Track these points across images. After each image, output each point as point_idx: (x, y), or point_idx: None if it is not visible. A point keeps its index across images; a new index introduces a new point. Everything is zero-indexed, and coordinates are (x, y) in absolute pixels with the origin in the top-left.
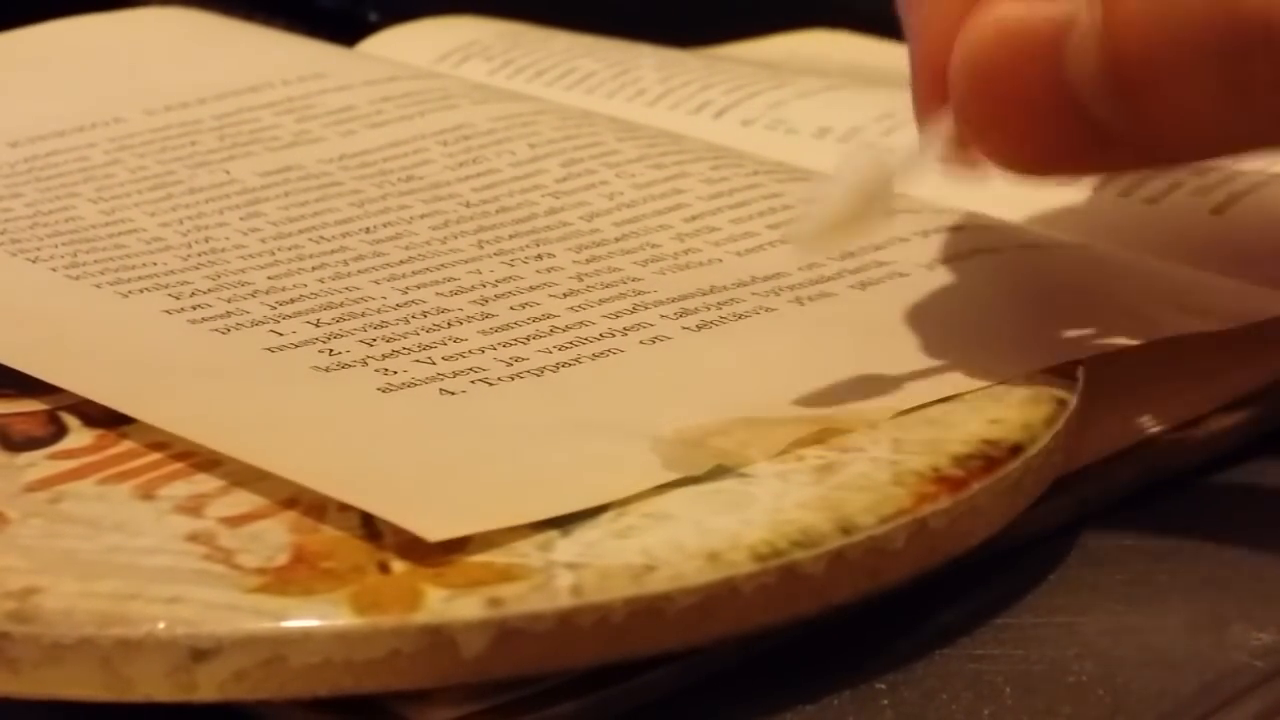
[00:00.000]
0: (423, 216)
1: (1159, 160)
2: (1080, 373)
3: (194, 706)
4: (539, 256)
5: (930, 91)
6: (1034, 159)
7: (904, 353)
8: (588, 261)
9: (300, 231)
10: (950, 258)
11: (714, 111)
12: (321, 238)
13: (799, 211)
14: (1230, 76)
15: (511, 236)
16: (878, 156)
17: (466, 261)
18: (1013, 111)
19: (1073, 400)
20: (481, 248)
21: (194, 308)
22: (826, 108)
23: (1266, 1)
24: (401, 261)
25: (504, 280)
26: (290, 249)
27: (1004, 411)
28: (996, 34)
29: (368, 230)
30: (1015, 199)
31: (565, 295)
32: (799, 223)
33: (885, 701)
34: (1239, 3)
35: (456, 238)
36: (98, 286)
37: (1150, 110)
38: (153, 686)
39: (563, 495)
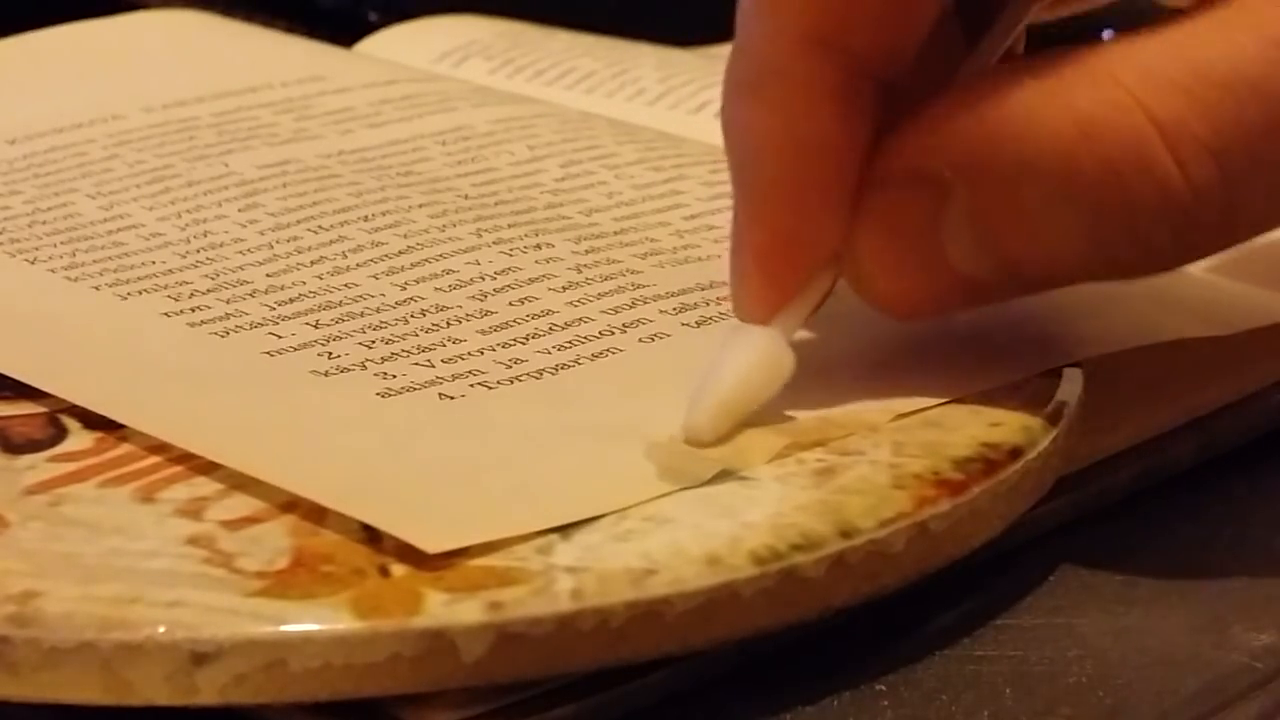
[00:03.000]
0: (421, 206)
1: (1022, 294)
2: (1080, 375)
3: (194, 710)
4: (538, 246)
5: (776, 274)
6: (915, 309)
7: (903, 355)
8: (587, 253)
9: (299, 222)
10: None
11: (714, 111)
12: (320, 227)
13: (691, 400)
14: (1093, 236)
15: (510, 226)
16: (767, 337)
17: (465, 251)
18: (899, 277)
19: (1072, 402)
20: (480, 236)
21: (193, 309)
22: None
23: (1118, 183)
24: (400, 252)
25: (503, 272)
26: (289, 241)
27: (1003, 414)
28: (882, 224)
29: (366, 219)
30: None
31: (564, 289)
32: (693, 413)
33: (885, 702)
34: (1095, 186)
35: (455, 226)
36: (96, 288)
37: (1017, 264)
38: (153, 690)
39: (561, 506)
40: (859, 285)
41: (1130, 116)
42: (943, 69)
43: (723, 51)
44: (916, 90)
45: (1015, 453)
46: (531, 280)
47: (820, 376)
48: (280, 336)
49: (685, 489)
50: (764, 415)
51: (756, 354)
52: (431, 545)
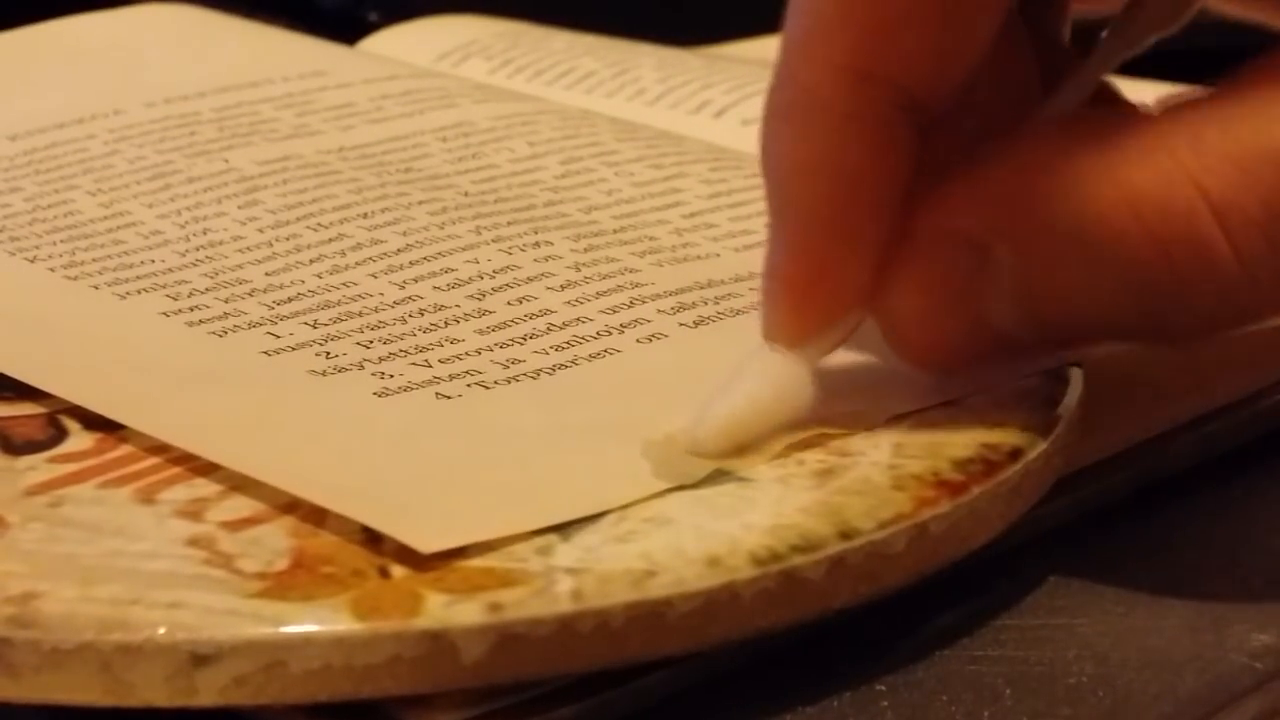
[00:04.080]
0: (420, 203)
1: (1060, 352)
2: (1080, 375)
3: (194, 712)
4: (537, 244)
5: (807, 309)
6: (949, 362)
7: None
8: (585, 251)
9: (298, 219)
10: None
11: (714, 111)
12: (319, 225)
13: (700, 410)
14: (1139, 308)
15: (509, 224)
16: (789, 362)
17: (464, 249)
18: (936, 337)
19: (1073, 403)
20: (479, 234)
21: (191, 309)
22: None
23: (1167, 260)
24: (399, 250)
25: (501, 271)
26: (288, 238)
27: (1003, 415)
28: (921, 286)
29: (365, 216)
30: None
31: (563, 288)
32: (701, 424)
33: (885, 703)
34: (1144, 263)
35: (454, 223)
36: (95, 288)
37: (1059, 328)
38: (153, 692)
39: (557, 505)
40: (891, 334)
41: (1182, 191)
42: (997, 105)
43: (723, 51)
44: (964, 125)
45: (1015, 454)
46: (530, 279)
47: (820, 377)
48: (278, 336)
49: (682, 487)
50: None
51: (775, 379)
52: (426, 545)
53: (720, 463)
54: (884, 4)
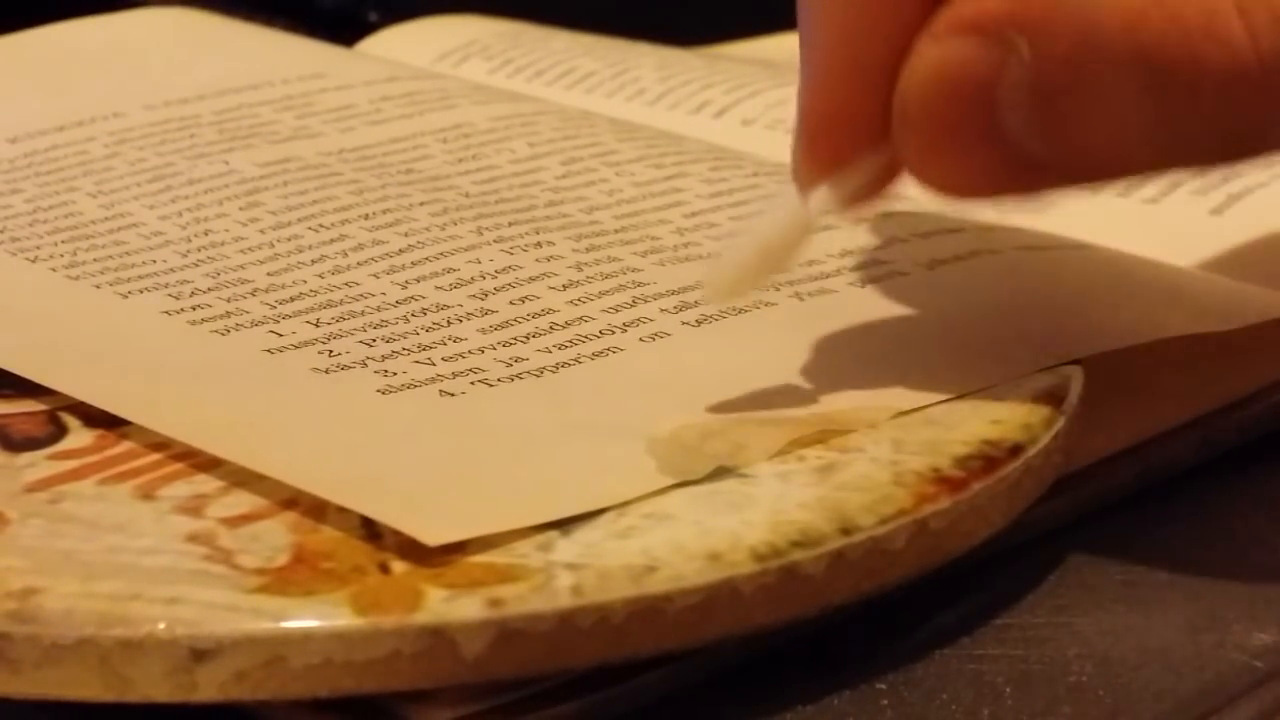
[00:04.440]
0: (422, 204)
1: (1084, 182)
2: (1080, 372)
3: (194, 707)
4: (538, 244)
5: (822, 148)
6: (969, 186)
7: (904, 352)
8: (587, 251)
9: (299, 220)
10: (950, 258)
11: (714, 111)
12: (321, 226)
13: (712, 264)
14: (1157, 113)
15: (511, 224)
16: (792, 206)
17: (466, 250)
18: (950, 145)
19: (1073, 400)
20: (481, 234)
21: (193, 308)
22: None
23: (1187, 45)
24: (401, 250)
25: (503, 271)
26: (289, 239)
27: (1004, 412)
28: (935, 76)
29: (366, 217)
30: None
31: (565, 287)
32: (711, 270)
33: (885, 701)
34: (1163, 47)
35: (456, 224)
36: (97, 287)
37: (1080, 144)
38: (153, 687)
39: (561, 499)
40: (909, 155)
41: None
42: None
43: (723, 51)
44: None
45: (1016, 450)
46: (532, 279)
47: (821, 374)
48: (281, 334)
49: (685, 484)
50: (762, 411)
51: (779, 216)
52: (431, 538)
53: (723, 460)
54: None
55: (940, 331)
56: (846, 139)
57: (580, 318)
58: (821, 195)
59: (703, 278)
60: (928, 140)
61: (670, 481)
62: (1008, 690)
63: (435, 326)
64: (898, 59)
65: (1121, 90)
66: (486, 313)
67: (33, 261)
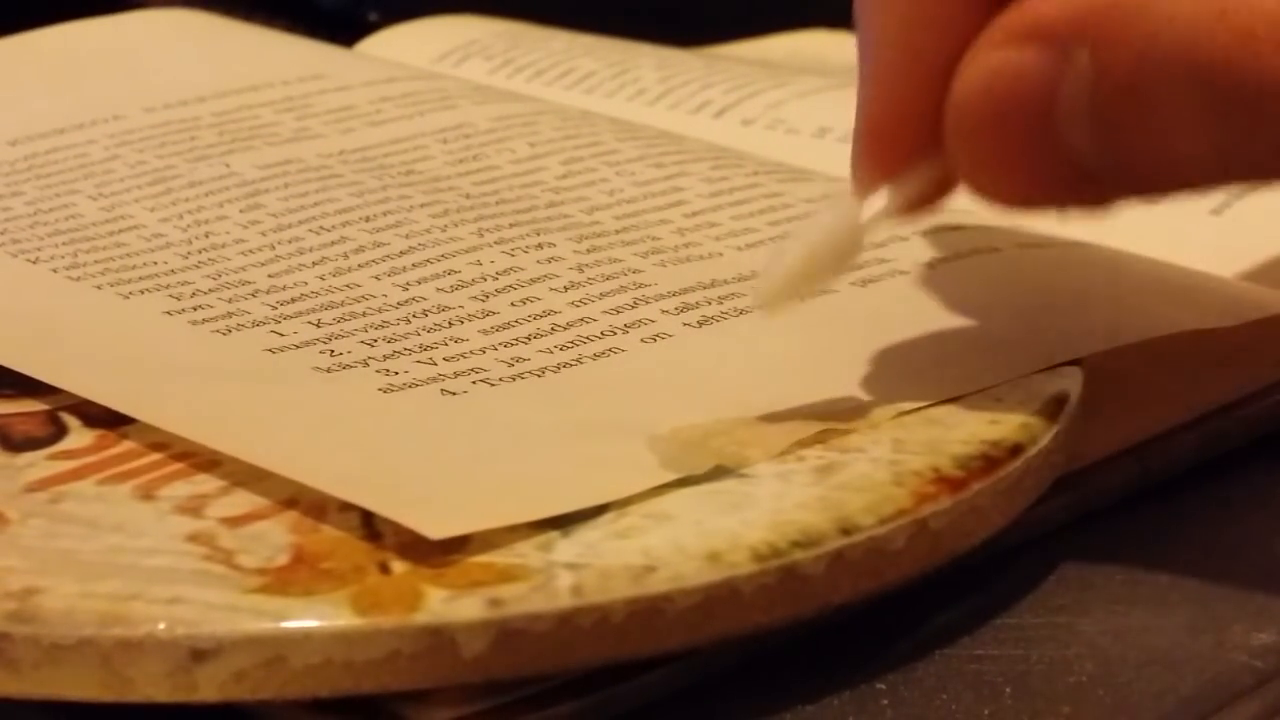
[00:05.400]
0: (422, 205)
1: (1142, 195)
2: (1080, 371)
3: (194, 707)
4: (539, 246)
5: (880, 152)
6: (1023, 196)
7: (904, 352)
8: (588, 252)
9: (300, 223)
10: (950, 257)
11: (714, 111)
12: (321, 228)
13: (762, 270)
14: (1220, 129)
15: (512, 225)
16: (845, 211)
17: (467, 251)
18: (1004, 155)
19: (1073, 400)
20: (482, 236)
21: (195, 309)
22: (826, 108)
23: (1255, 63)
24: (402, 252)
25: (505, 272)
26: (290, 241)
27: (1004, 411)
28: (991, 84)
29: (367, 219)
30: None
31: (566, 289)
32: (761, 279)
33: (885, 701)
34: (1229, 66)
35: (456, 226)
36: (98, 288)
37: (1139, 157)
38: (153, 687)
39: (563, 495)
40: (961, 163)
41: None
42: None
43: (723, 51)
44: None
45: (1016, 450)
46: (533, 280)
47: (821, 373)
48: (283, 334)
49: (685, 484)
50: (764, 411)
51: (831, 222)
52: (433, 531)
53: (723, 459)
54: None
55: (940, 331)
56: (906, 143)
57: (581, 319)
58: (878, 200)
59: (753, 284)
60: (979, 149)
61: (671, 477)
62: (1008, 690)
63: (436, 327)
64: (951, 54)
65: (1184, 106)
66: (488, 314)
67: (33, 263)
